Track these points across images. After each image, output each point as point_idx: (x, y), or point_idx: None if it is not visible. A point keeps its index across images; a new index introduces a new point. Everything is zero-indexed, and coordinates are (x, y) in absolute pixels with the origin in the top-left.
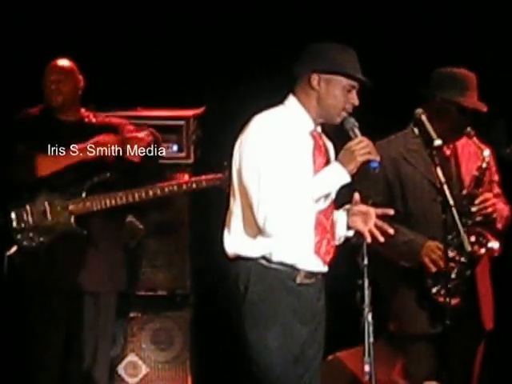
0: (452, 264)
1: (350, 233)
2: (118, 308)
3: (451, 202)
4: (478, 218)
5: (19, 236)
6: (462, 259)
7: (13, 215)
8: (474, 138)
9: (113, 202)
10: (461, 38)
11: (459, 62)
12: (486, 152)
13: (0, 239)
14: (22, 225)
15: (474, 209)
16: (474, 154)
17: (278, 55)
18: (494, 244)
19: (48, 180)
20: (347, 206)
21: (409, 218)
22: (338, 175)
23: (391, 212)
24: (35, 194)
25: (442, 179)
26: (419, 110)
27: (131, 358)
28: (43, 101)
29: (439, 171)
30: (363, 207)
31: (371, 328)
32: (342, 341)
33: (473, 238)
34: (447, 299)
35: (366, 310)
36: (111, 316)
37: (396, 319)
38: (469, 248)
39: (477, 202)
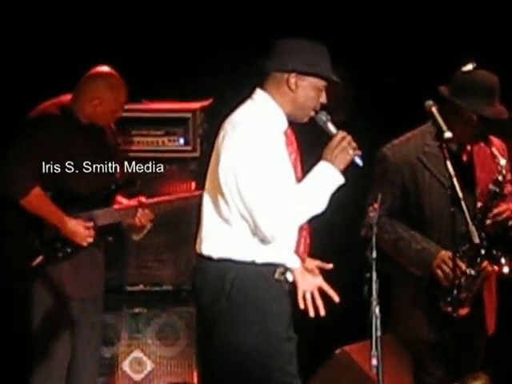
0: (463, 276)
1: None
2: (118, 304)
3: (460, 195)
4: (493, 230)
5: (46, 246)
6: (473, 272)
7: (41, 224)
8: (493, 142)
9: (134, 212)
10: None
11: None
12: (503, 161)
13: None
14: (50, 235)
15: (488, 221)
16: (489, 162)
17: None
18: (505, 269)
19: (69, 190)
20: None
21: (425, 227)
22: (330, 176)
23: (329, 266)
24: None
25: (452, 172)
26: (429, 102)
27: (136, 354)
28: (80, 106)
29: (449, 164)
30: (311, 265)
31: (379, 321)
32: (349, 334)
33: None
34: (455, 310)
35: (374, 303)
36: (99, 319)
37: (402, 323)
38: (477, 240)
39: (491, 215)
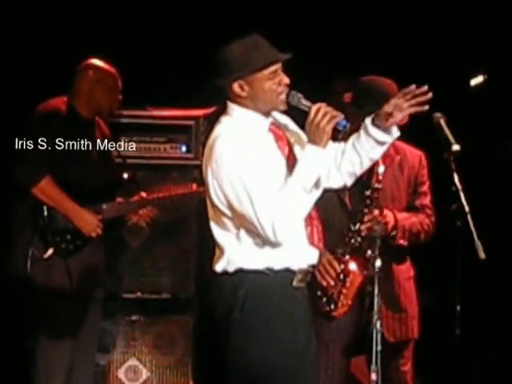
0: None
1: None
2: (115, 311)
3: (467, 209)
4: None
5: (58, 238)
6: (341, 276)
7: (50, 217)
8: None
9: (142, 207)
10: (478, 44)
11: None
12: (381, 168)
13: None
14: (61, 227)
15: (362, 227)
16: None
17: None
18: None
19: (74, 184)
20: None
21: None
22: (316, 157)
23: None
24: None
25: (459, 186)
26: (438, 114)
27: (132, 362)
28: (81, 100)
29: (456, 177)
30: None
31: (379, 336)
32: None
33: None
34: (332, 310)
35: (375, 317)
36: (99, 321)
37: None
38: (483, 256)
39: (365, 219)
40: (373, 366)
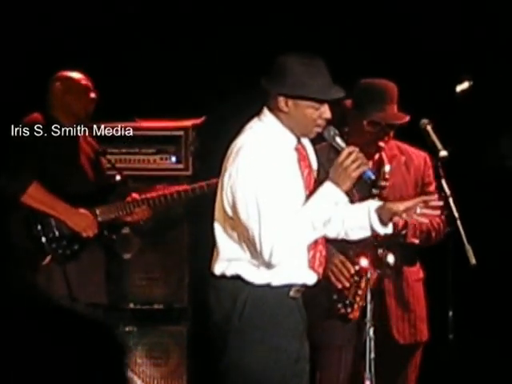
0: (352, 279)
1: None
2: (110, 321)
3: (456, 214)
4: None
5: (54, 245)
6: (355, 277)
7: (48, 223)
8: (383, 148)
9: (135, 207)
10: (462, 49)
11: (462, 72)
12: (387, 167)
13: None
14: (56, 233)
15: None
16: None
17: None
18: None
19: (65, 191)
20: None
21: None
22: (334, 199)
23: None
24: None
25: (448, 192)
26: (425, 120)
27: (126, 373)
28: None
29: (444, 183)
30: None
31: (373, 343)
32: None
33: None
34: (348, 313)
35: (368, 324)
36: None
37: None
38: (473, 261)
39: None
40: (367, 374)
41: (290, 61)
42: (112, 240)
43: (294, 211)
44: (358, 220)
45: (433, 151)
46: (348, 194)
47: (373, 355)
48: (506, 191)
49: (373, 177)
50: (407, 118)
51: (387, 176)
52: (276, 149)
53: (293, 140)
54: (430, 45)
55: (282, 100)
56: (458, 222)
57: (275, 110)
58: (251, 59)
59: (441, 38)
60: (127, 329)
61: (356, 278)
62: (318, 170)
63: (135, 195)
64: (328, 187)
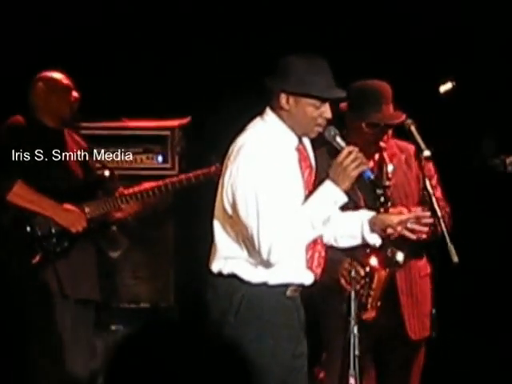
0: (362, 280)
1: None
2: (98, 320)
3: (439, 213)
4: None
5: (44, 243)
6: (366, 279)
7: (36, 222)
8: (384, 148)
9: (124, 202)
10: (447, 49)
11: (445, 72)
12: (390, 167)
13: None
14: (45, 231)
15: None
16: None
17: (263, 68)
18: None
19: (58, 187)
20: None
21: None
22: (333, 198)
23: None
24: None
25: (431, 191)
26: (408, 121)
27: None
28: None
29: (428, 183)
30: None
31: (357, 340)
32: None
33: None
34: (361, 315)
35: (352, 322)
36: (90, 324)
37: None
38: (456, 259)
39: None
40: (351, 371)
41: (294, 60)
42: (100, 238)
43: (293, 210)
44: (350, 228)
45: (417, 151)
46: (352, 195)
47: (357, 352)
48: (489, 191)
49: (372, 177)
50: (404, 117)
51: (390, 175)
52: (277, 148)
53: (294, 140)
54: (412, 45)
55: (283, 97)
56: (441, 221)
57: (277, 109)
58: (241, 59)
59: (423, 39)
60: (113, 327)
61: (367, 280)
62: (316, 174)
63: (123, 190)
64: (327, 186)
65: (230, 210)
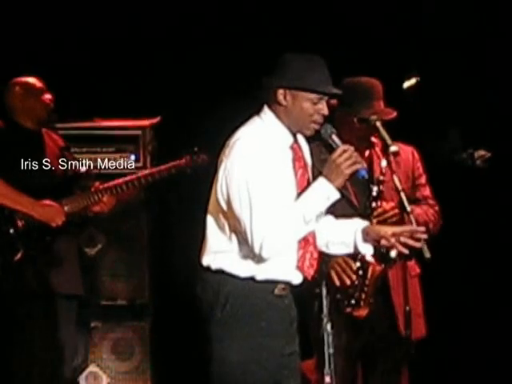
0: (354, 276)
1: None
2: (79, 317)
3: (408, 209)
4: None
5: (25, 240)
6: (360, 272)
7: (12, 221)
8: (376, 144)
9: (100, 196)
10: (414, 45)
11: (411, 69)
12: (383, 162)
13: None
14: (25, 228)
15: (374, 221)
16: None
17: (236, 69)
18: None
19: (36, 184)
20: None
21: None
22: (326, 194)
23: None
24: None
25: (399, 187)
26: (373, 117)
27: (92, 368)
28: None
29: (396, 178)
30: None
31: (330, 338)
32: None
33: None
34: (354, 312)
35: (325, 320)
36: (73, 320)
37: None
38: (428, 255)
39: (375, 214)
40: (326, 369)
41: (291, 57)
42: (77, 236)
43: (285, 205)
44: (343, 235)
45: (384, 147)
46: (343, 189)
47: (331, 350)
48: (456, 185)
49: (366, 176)
50: (395, 113)
51: (384, 170)
52: (272, 144)
53: (289, 138)
54: (376, 41)
55: (280, 93)
56: (411, 216)
57: (274, 105)
58: (216, 62)
59: (388, 36)
60: (92, 324)
61: (360, 273)
62: (312, 170)
63: (98, 184)
64: (320, 182)
65: (223, 204)
